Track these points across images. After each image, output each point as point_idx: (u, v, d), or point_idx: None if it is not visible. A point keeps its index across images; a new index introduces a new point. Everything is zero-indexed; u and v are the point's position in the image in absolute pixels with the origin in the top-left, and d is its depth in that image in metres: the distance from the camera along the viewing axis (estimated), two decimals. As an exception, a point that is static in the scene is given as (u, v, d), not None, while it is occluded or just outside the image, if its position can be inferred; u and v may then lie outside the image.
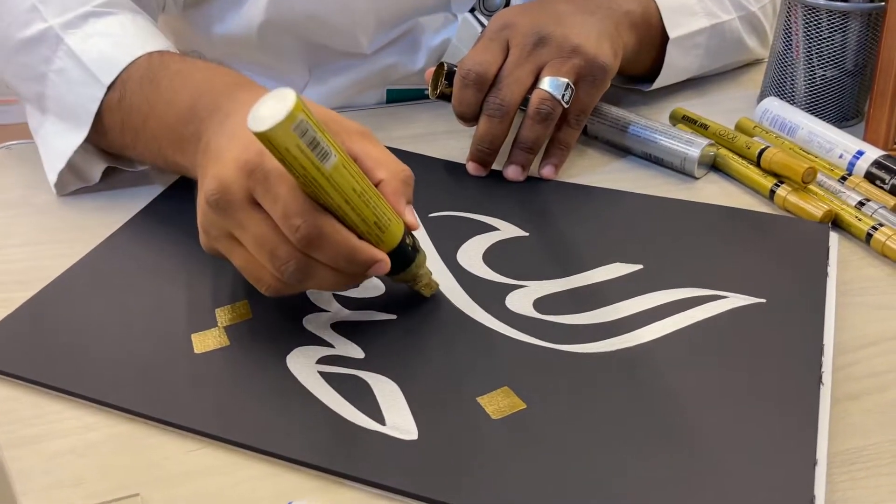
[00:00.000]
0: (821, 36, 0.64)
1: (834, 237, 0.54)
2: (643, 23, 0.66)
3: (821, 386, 0.42)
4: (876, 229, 0.53)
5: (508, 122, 0.58)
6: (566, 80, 0.57)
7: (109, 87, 0.54)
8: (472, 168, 0.60)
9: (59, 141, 0.56)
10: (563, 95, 0.57)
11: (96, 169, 0.58)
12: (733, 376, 0.43)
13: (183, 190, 0.57)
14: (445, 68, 0.61)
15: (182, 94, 0.51)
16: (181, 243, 0.52)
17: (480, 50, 0.59)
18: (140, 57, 0.54)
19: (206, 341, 0.45)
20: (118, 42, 0.55)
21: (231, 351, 0.44)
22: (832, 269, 0.51)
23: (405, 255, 0.45)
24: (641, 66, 0.70)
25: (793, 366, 0.44)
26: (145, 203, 0.56)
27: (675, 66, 0.70)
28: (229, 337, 0.45)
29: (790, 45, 0.66)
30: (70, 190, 0.58)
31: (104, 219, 0.54)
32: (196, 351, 0.44)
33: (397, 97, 0.73)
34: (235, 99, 0.48)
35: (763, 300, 0.48)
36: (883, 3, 0.62)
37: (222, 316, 0.47)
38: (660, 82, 0.70)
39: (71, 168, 0.56)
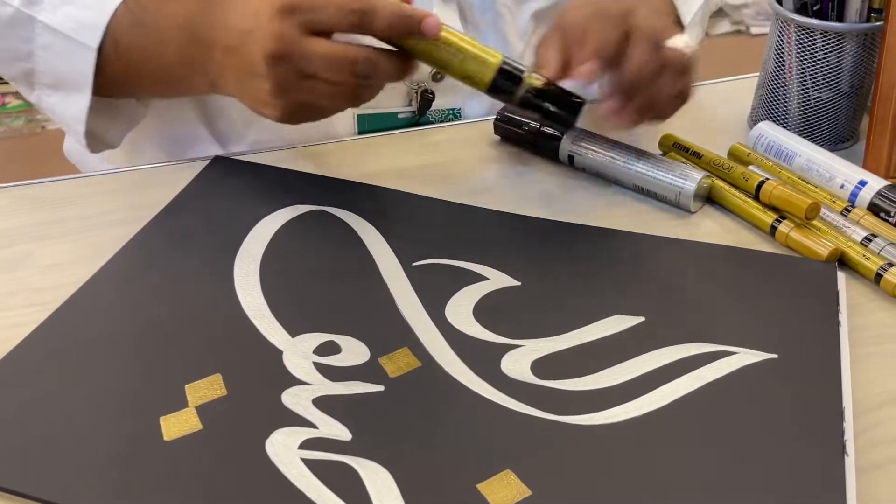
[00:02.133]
0: (815, 57, 0.61)
1: (842, 278, 0.51)
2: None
3: (845, 457, 0.39)
4: (886, 269, 0.50)
5: None
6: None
7: (99, 49, 0.57)
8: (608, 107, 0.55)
9: (67, 108, 0.59)
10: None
11: (114, 133, 0.63)
12: (752, 447, 0.40)
13: (143, 249, 0.53)
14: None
15: (171, 23, 0.56)
16: (144, 308, 0.48)
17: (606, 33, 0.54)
18: (117, 8, 0.57)
19: (177, 426, 0.41)
20: (86, 4, 0.57)
21: (204, 437, 0.40)
22: (843, 317, 0.48)
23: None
24: None
25: (813, 433, 0.41)
26: (100, 264, 0.51)
27: None
28: (202, 419, 0.41)
29: (783, 66, 0.63)
30: (100, 151, 0.63)
31: (59, 280, 0.50)
32: (166, 438, 0.40)
33: (371, 126, 0.69)
34: None
35: (775, 356, 0.45)
36: (879, 24, 0.59)
37: (193, 393, 0.43)
38: None
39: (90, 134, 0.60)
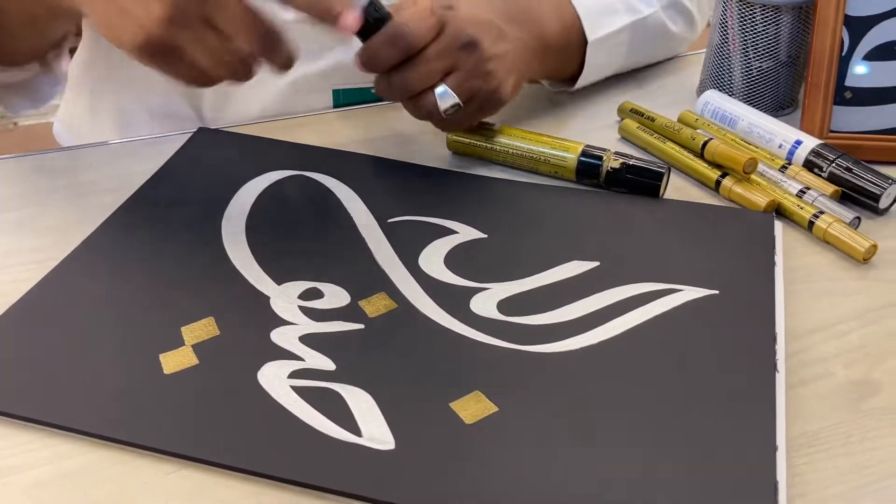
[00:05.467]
0: (756, 29, 0.66)
1: (778, 226, 0.56)
2: (559, 43, 0.67)
3: (776, 373, 0.44)
4: (817, 217, 0.55)
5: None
6: (458, 102, 0.57)
7: None
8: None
9: None
10: (446, 111, 0.57)
11: None
12: (694, 368, 0.45)
13: (135, 212, 0.56)
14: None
15: None
16: (139, 263, 0.52)
17: (421, 17, 0.56)
18: None
19: (175, 361, 0.45)
20: None
21: (201, 370, 0.44)
22: (779, 258, 0.53)
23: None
24: (563, 73, 0.71)
25: (749, 355, 0.46)
26: (102, 219, 0.55)
27: (598, 66, 0.71)
28: (198, 355, 0.45)
29: (726, 38, 0.68)
30: None
31: (55, 242, 0.54)
32: (165, 371, 0.44)
33: (346, 100, 0.73)
34: None
35: (716, 291, 0.50)
36: (813, -3, 0.64)
37: (189, 334, 0.47)
38: (582, 82, 0.71)
39: None
